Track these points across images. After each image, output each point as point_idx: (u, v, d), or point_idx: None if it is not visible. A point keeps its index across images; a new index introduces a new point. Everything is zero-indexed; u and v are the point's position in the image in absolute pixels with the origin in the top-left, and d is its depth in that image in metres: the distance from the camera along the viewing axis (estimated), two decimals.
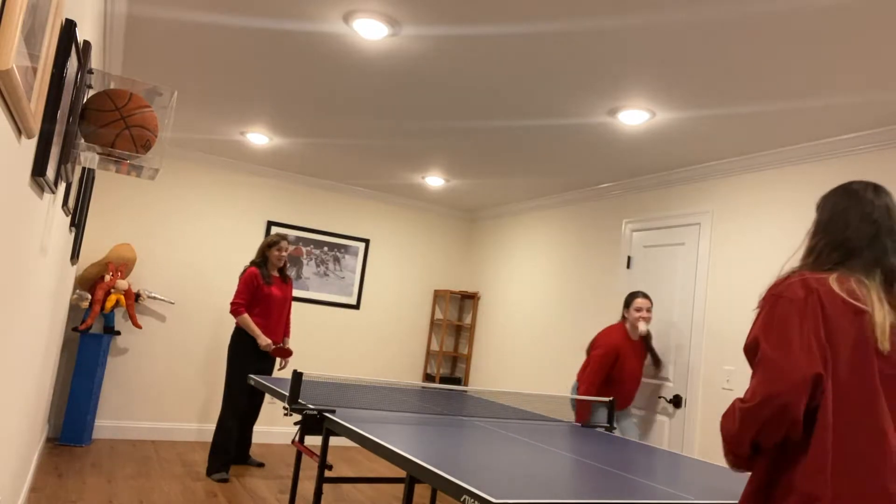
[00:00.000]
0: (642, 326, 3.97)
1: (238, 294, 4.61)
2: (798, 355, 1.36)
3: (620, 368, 3.95)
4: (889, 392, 1.41)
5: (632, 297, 4.04)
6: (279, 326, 4.81)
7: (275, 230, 6.09)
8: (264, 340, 4.60)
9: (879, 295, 1.44)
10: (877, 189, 1.54)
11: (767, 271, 3.70)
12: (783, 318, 1.42)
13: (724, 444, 1.48)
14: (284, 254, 4.74)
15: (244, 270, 4.73)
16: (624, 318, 4.07)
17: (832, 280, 1.45)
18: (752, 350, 1.45)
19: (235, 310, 4.59)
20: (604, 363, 3.90)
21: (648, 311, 3.99)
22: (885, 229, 1.50)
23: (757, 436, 1.38)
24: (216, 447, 4.57)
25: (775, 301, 1.45)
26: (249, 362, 4.64)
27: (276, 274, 4.84)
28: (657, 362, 4.27)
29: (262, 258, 4.77)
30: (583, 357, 5.02)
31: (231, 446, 4.59)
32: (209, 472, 4.59)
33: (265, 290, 4.68)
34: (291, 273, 6.16)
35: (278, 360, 4.91)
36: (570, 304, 5.27)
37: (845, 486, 1.35)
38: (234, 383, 4.60)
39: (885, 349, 1.41)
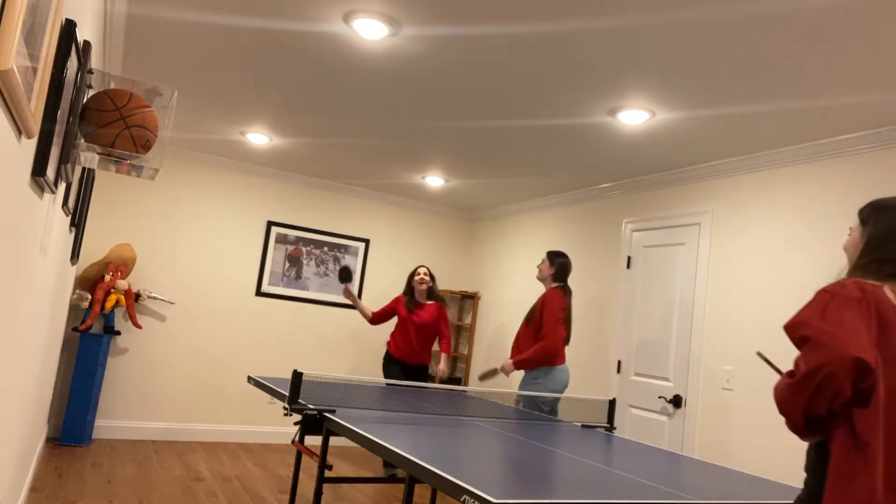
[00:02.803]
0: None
1: (390, 305, 5.27)
2: (849, 335, 1.41)
3: None
4: None
5: None
6: (414, 347, 5.17)
7: (275, 230, 6.09)
8: (363, 309, 5.25)
9: None
10: None
11: (767, 271, 3.69)
12: (839, 306, 1.47)
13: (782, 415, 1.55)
14: (420, 278, 5.18)
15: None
16: None
17: (887, 289, 1.53)
18: (797, 327, 1.50)
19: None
20: None
21: None
22: None
23: (808, 407, 1.44)
24: None
25: (830, 296, 1.50)
26: (392, 372, 5.21)
27: (424, 301, 5.21)
28: None
29: (409, 288, 5.28)
30: (585, 357, 5.02)
31: None
32: (388, 466, 5.10)
33: (403, 314, 5.17)
34: (291, 273, 6.16)
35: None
36: None
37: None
38: None
39: None
